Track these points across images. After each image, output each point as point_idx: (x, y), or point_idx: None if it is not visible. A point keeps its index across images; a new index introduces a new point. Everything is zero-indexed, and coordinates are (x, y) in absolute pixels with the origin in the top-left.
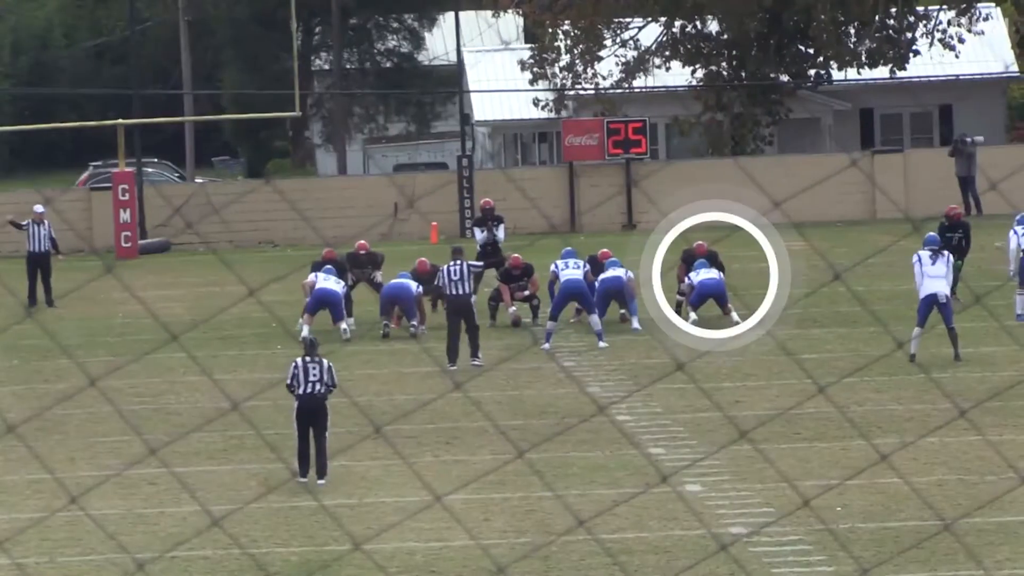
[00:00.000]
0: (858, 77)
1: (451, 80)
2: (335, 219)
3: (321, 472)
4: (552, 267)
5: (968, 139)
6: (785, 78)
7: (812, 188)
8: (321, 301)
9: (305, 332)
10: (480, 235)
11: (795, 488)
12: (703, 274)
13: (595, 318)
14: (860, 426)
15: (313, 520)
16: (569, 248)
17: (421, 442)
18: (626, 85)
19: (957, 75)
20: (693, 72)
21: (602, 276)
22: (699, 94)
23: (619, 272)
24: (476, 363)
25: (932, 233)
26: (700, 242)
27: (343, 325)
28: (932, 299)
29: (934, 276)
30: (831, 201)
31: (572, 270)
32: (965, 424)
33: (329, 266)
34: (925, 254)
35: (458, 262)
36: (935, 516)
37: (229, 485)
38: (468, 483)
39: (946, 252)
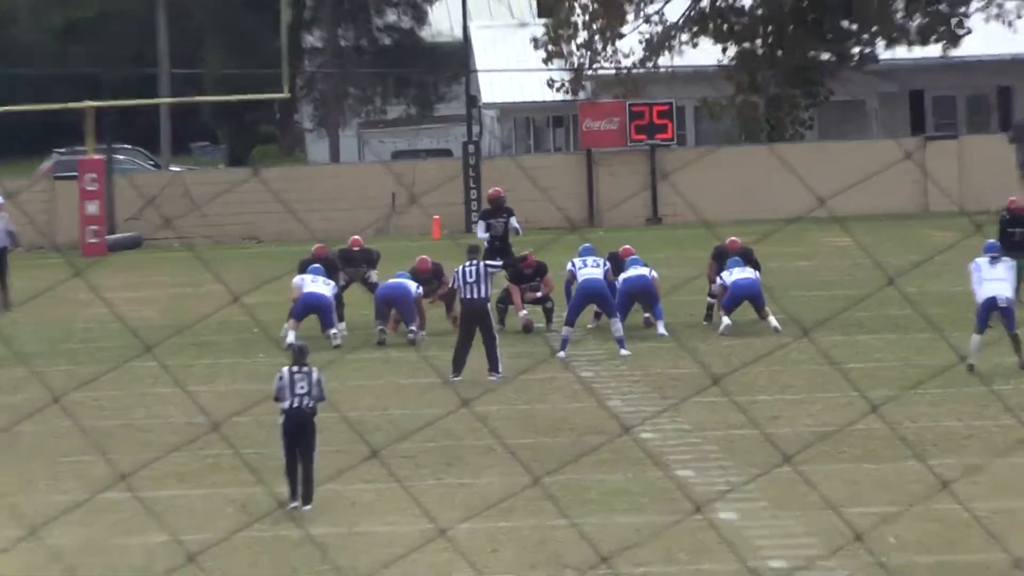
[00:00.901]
0: (907, 55)
1: (456, 58)
2: (326, 212)
3: (307, 498)
4: (568, 266)
5: None
6: (826, 56)
7: (859, 180)
8: (308, 306)
9: (291, 338)
10: (483, 231)
11: (841, 516)
12: (737, 273)
13: (616, 323)
14: (914, 445)
15: (298, 552)
16: (587, 245)
17: (420, 463)
18: (650, 64)
19: (1016, 53)
20: (724, 50)
21: (624, 276)
22: (731, 74)
23: (643, 271)
24: (494, 378)
25: (992, 240)
26: (733, 238)
27: (333, 331)
28: (992, 303)
29: (993, 279)
30: (877, 192)
31: (591, 268)
32: None
33: (317, 265)
34: (983, 260)
35: (474, 262)
36: (1002, 550)
37: (203, 511)
38: (473, 510)
39: (1007, 258)
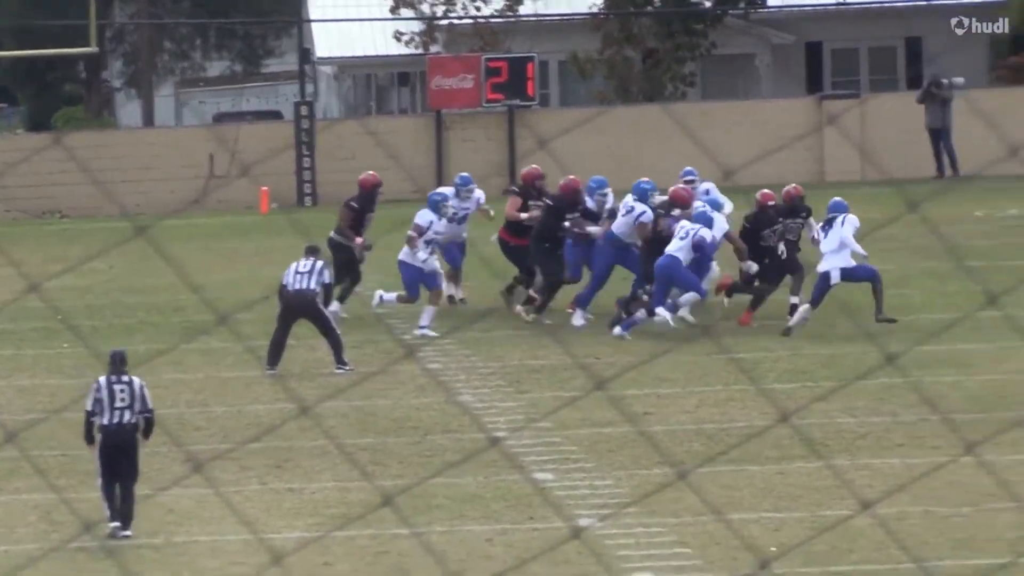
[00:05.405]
0: (802, 1)
1: (287, 6)
2: (138, 182)
3: (126, 521)
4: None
5: (944, 81)
6: (708, 3)
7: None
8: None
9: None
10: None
11: (729, 524)
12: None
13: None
14: (801, 444)
15: (108, 564)
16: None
17: (245, 465)
18: (511, 13)
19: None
20: None
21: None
22: (601, 23)
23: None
24: (341, 371)
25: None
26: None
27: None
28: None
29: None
30: (765, 160)
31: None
32: (933, 442)
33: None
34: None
35: (311, 259)
36: (895, 560)
37: (2, 520)
38: (304, 517)
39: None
